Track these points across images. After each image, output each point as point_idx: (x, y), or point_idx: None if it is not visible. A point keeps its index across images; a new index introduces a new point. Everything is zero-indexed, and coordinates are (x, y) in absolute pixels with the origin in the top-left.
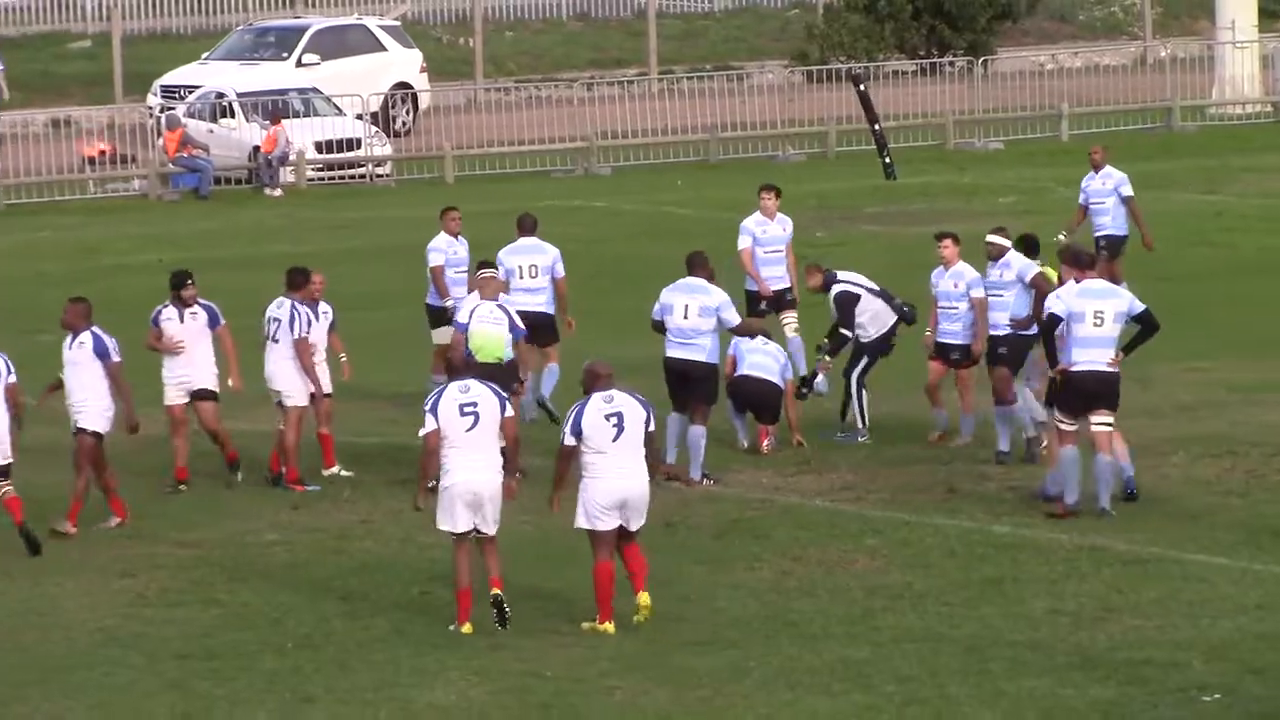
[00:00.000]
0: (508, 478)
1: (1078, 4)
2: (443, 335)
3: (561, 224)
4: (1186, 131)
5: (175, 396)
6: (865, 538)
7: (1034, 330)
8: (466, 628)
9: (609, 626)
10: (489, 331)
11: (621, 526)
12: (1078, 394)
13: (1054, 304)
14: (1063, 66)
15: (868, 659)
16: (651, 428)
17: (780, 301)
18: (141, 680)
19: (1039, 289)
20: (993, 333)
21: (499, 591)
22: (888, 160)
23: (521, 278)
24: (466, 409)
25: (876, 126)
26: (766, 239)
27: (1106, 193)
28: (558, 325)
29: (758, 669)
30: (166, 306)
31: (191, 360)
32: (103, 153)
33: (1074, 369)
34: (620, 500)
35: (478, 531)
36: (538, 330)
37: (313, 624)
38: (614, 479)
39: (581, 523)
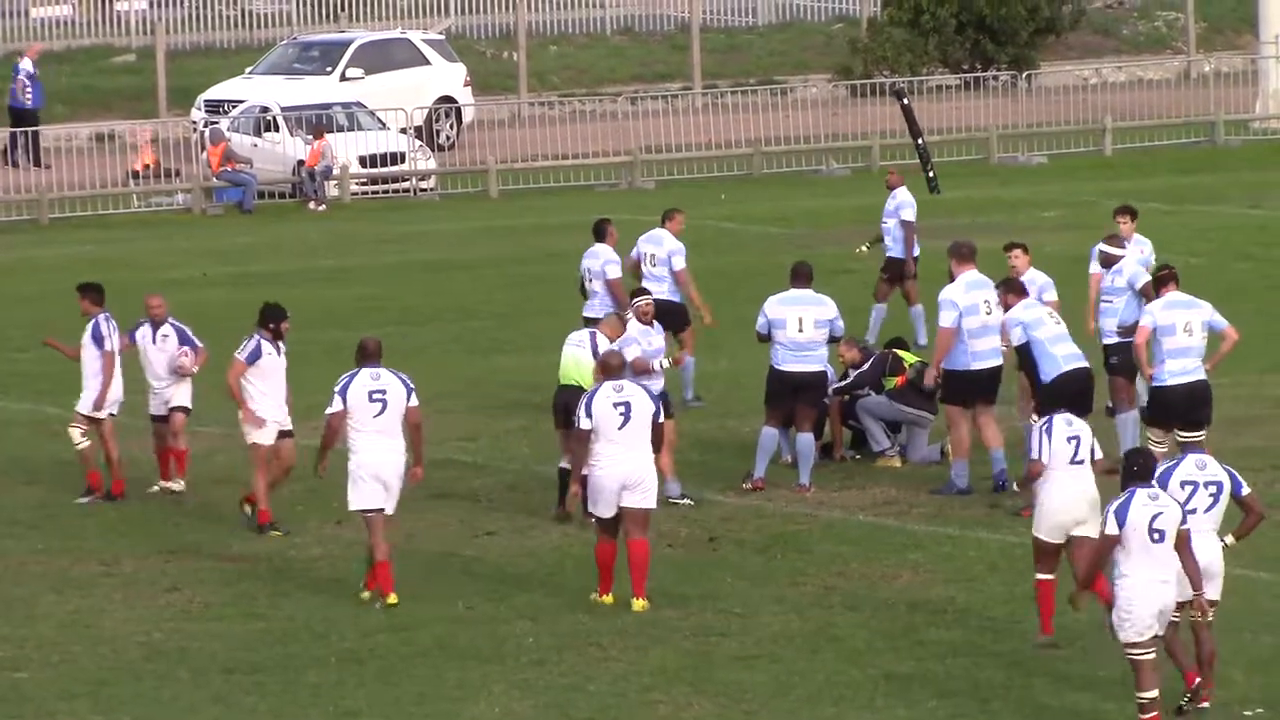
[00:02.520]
0: (414, 463)
1: (1121, 18)
2: None
3: None
4: (1230, 146)
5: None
6: (908, 552)
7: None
8: (392, 598)
9: (608, 598)
10: (573, 354)
11: (629, 520)
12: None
13: (1015, 333)
14: (1106, 81)
15: (911, 674)
16: (661, 419)
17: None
18: (186, 694)
19: (1149, 297)
20: (1105, 342)
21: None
22: (931, 174)
23: (650, 265)
24: (375, 395)
25: (920, 141)
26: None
27: (889, 214)
28: (688, 313)
29: (801, 684)
30: (254, 340)
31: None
32: (147, 166)
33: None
34: (620, 485)
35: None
36: (666, 317)
37: (356, 638)
38: (616, 466)
39: (590, 508)
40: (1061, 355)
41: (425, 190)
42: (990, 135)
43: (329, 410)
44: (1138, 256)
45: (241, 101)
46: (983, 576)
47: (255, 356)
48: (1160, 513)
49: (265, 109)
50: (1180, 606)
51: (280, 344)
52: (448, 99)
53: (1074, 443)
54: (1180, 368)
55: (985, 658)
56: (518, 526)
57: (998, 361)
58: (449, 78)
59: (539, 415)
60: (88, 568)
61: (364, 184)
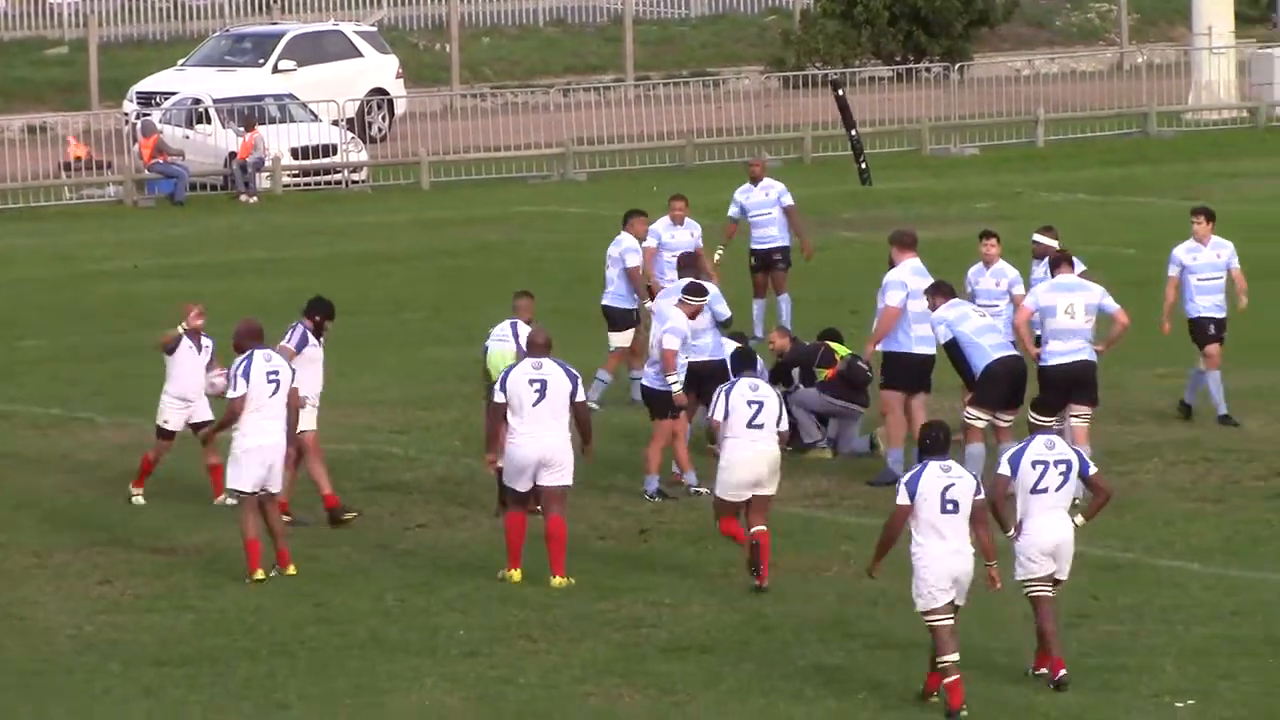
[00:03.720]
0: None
1: (1054, 10)
2: (622, 339)
3: (537, 230)
4: (1163, 137)
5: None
6: (839, 544)
7: None
8: (259, 574)
9: (516, 574)
10: (498, 349)
11: (546, 497)
12: (1000, 387)
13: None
14: (1039, 72)
15: (841, 665)
16: (579, 398)
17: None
18: (117, 686)
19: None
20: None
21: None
22: (864, 166)
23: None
24: (271, 377)
25: (853, 132)
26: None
27: (770, 204)
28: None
29: (731, 675)
30: (299, 329)
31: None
32: (78, 159)
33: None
34: (536, 462)
35: (266, 490)
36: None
37: (288, 630)
38: (529, 442)
39: (505, 481)
40: (989, 345)
41: (357, 182)
42: (922, 127)
43: (233, 393)
44: (1214, 260)
45: (173, 93)
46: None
47: (303, 344)
48: (953, 484)
49: (197, 101)
50: (1049, 580)
51: (321, 338)
52: (380, 91)
53: (754, 407)
54: (1063, 348)
55: (916, 649)
56: (449, 519)
57: (933, 349)
58: (381, 69)
59: (470, 408)
60: (19, 560)
61: (296, 176)
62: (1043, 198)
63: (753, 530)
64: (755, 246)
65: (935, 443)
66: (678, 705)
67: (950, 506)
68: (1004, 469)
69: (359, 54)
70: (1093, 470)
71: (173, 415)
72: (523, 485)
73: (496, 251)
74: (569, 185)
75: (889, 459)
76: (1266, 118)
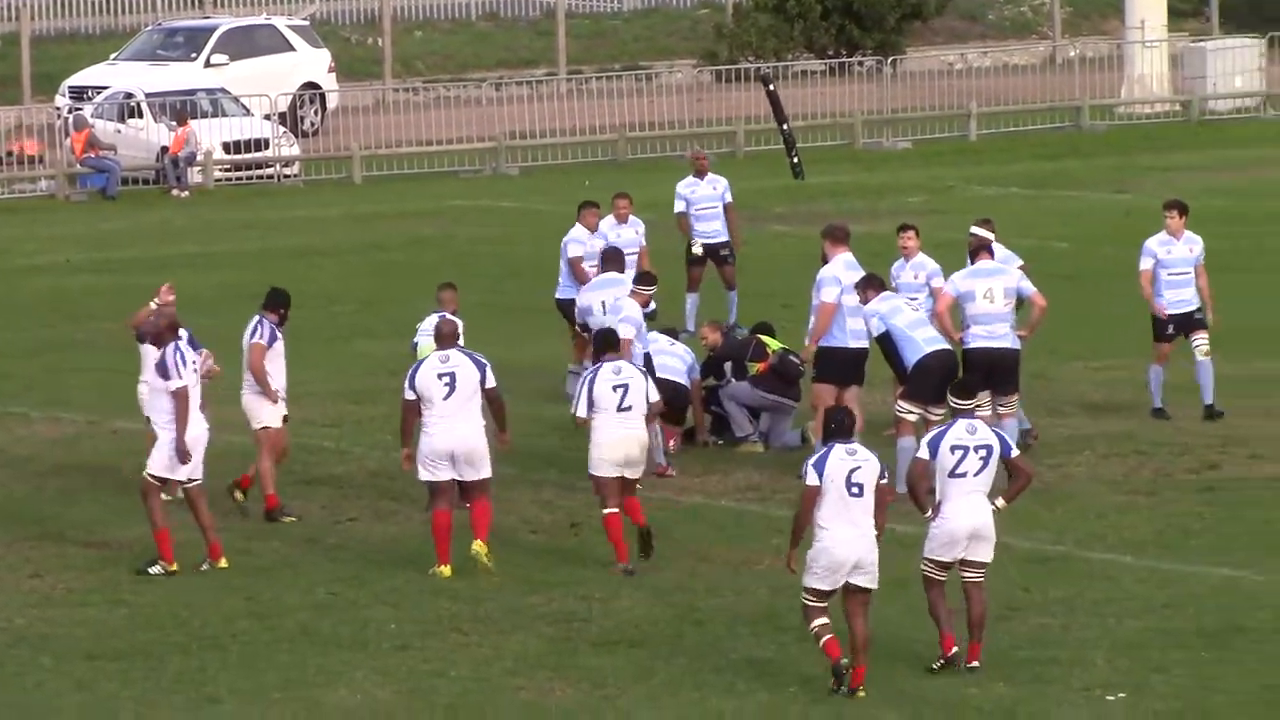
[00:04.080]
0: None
1: (987, 3)
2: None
3: (469, 224)
4: (1095, 131)
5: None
6: (771, 537)
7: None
8: (173, 566)
9: (445, 570)
10: (428, 344)
11: (467, 489)
12: (931, 380)
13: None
14: (971, 66)
15: (773, 659)
16: (489, 385)
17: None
18: (49, 680)
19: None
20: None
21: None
22: (796, 160)
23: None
24: (195, 367)
25: (785, 126)
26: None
27: (716, 198)
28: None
29: (663, 669)
30: (264, 323)
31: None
32: (31, 156)
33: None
34: (450, 453)
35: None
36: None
37: (219, 624)
38: (442, 434)
39: (421, 475)
40: (922, 339)
41: (289, 176)
42: (855, 120)
43: (178, 383)
44: (1186, 255)
45: (105, 88)
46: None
47: (274, 339)
48: (858, 467)
49: (129, 95)
50: (947, 567)
51: (282, 329)
52: (312, 85)
53: (621, 391)
54: (984, 333)
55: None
56: (380, 513)
57: (867, 343)
58: (314, 64)
59: (400, 401)
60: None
61: (228, 170)
62: (975, 191)
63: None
64: (701, 240)
65: (840, 427)
66: (609, 699)
67: (855, 490)
68: (923, 452)
69: (291, 48)
70: (1014, 453)
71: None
72: (443, 474)
73: (428, 245)
74: (501, 179)
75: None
76: (1199, 111)
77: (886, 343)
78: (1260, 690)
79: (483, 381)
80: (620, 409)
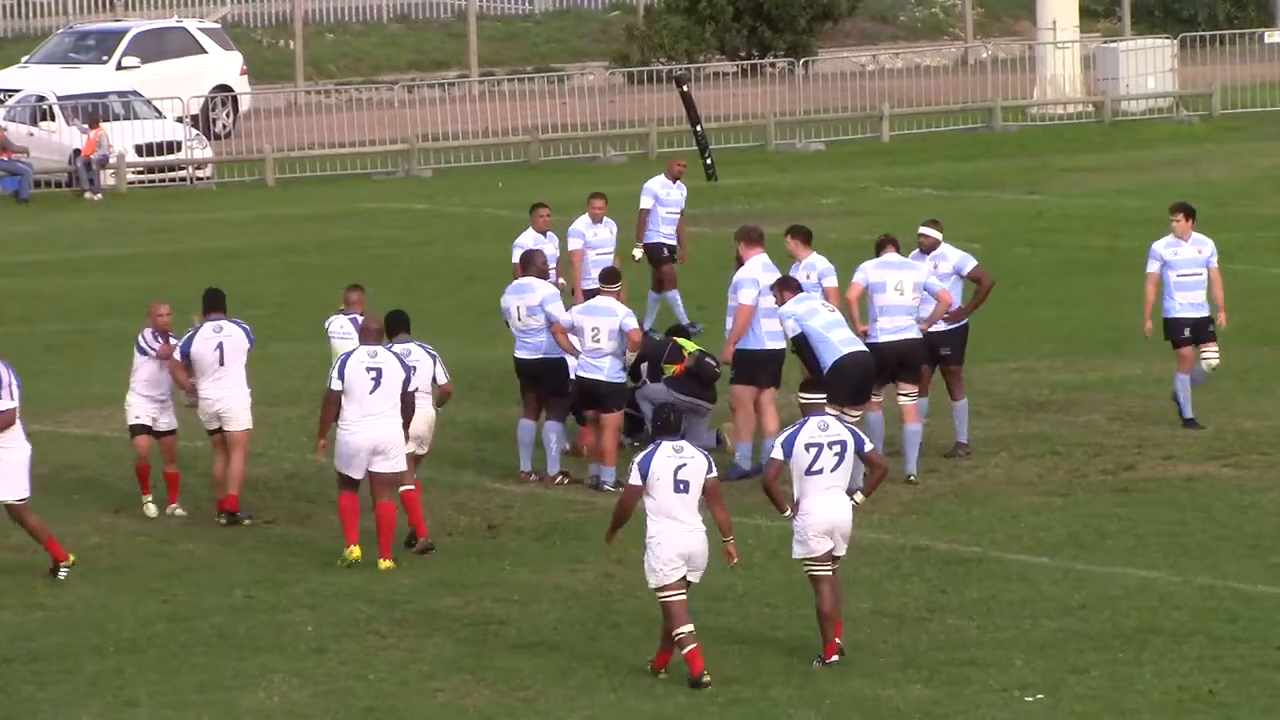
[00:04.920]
0: None
1: (898, 4)
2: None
3: (383, 226)
4: (1008, 132)
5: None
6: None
7: (966, 323)
8: (70, 559)
9: (355, 551)
10: (341, 347)
11: (377, 483)
12: (848, 382)
13: (789, 325)
14: (884, 67)
15: None
16: (412, 388)
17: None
18: None
19: (980, 280)
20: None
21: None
22: (709, 161)
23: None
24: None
25: (699, 128)
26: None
27: (680, 203)
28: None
29: (581, 670)
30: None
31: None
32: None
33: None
34: (371, 449)
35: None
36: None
37: (135, 627)
38: (363, 430)
39: (337, 466)
40: (838, 340)
41: (202, 179)
42: (768, 122)
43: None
44: (1194, 256)
45: (17, 90)
46: (762, 563)
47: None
48: (685, 464)
49: (41, 98)
50: (825, 559)
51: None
52: (224, 87)
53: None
54: (892, 325)
55: (765, 645)
56: (297, 515)
57: (783, 344)
58: (225, 66)
59: (316, 403)
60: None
61: (141, 173)
62: (889, 193)
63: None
64: (663, 241)
65: (666, 424)
66: (527, 701)
67: (682, 486)
68: (777, 453)
69: (203, 50)
70: (868, 447)
71: (141, 411)
72: (356, 472)
73: (341, 248)
74: (414, 181)
75: (737, 454)
76: (1112, 112)
77: (802, 344)
78: (1176, 691)
79: (406, 383)
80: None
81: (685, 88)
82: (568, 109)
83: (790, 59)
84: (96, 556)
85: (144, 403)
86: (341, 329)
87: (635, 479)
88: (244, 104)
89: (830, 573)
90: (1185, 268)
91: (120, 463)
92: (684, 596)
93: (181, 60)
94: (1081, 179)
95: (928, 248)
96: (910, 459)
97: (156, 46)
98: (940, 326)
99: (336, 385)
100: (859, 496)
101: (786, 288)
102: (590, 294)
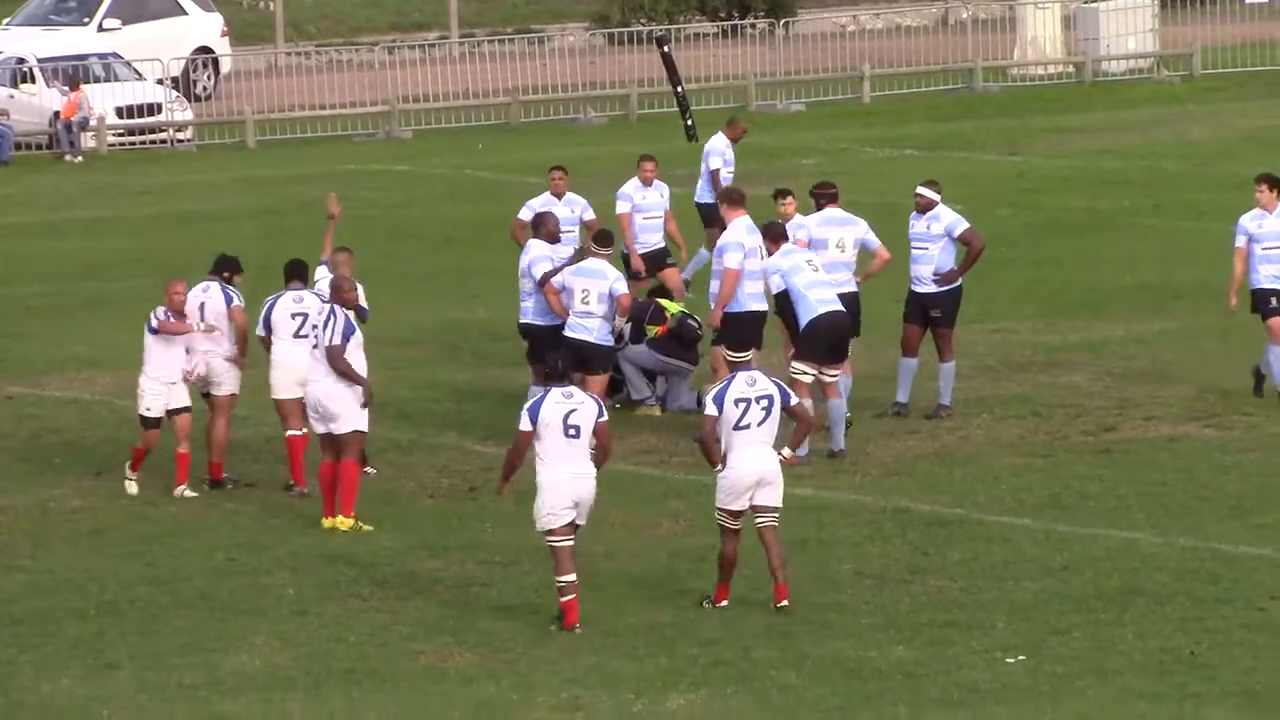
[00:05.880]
0: None
1: None
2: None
3: (363, 188)
4: (988, 92)
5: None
6: (668, 501)
7: (958, 285)
8: None
9: (327, 521)
10: None
11: (337, 443)
12: (821, 341)
13: (773, 280)
14: (864, 28)
15: (671, 622)
16: (337, 342)
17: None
18: None
19: (970, 243)
20: (919, 289)
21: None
22: (690, 122)
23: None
24: None
25: (679, 89)
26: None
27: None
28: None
29: (562, 633)
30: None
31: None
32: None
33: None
34: (313, 405)
35: None
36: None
37: (117, 590)
38: (313, 387)
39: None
40: (815, 299)
41: (182, 141)
42: (748, 83)
43: None
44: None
45: None
46: (743, 525)
47: (230, 301)
48: (574, 409)
49: (21, 60)
50: (738, 515)
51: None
52: (205, 49)
53: (299, 320)
54: (831, 280)
55: (746, 606)
56: (278, 478)
57: (766, 305)
58: (206, 28)
59: None
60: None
61: (121, 135)
62: (870, 153)
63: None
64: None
65: (554, 371)
66: (509, 663)
67: (572, 431)
68: (711, 409)
69: (184, 12)
70: (794, 401)
71: (154, 403)
72: (319, 427)
73: (322, 210)
74: (394, 143)
75: None
76: (1092, 73)
77: (783, 299)
78: (1158, 652)
79: (345, 337)
80: (297, 335)
81: (666, 49)
82: (548, 70)
83: (771, 19)
84: (78, 520)
85: (155, 390)
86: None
87: (525, 425)
88: (225, 66)
89: (739, 526)
90: (1270, 240)
91: (102, 426)
92: (571, 542)
93: (162, 22)
94: (1062, 140)
95: (923, 207)
96: (837, 436)
97: (137, 8)
98: (931, 288)
99: (261, 332)
100: (786, 451)
101: (771, 236)
102: (646, 258)
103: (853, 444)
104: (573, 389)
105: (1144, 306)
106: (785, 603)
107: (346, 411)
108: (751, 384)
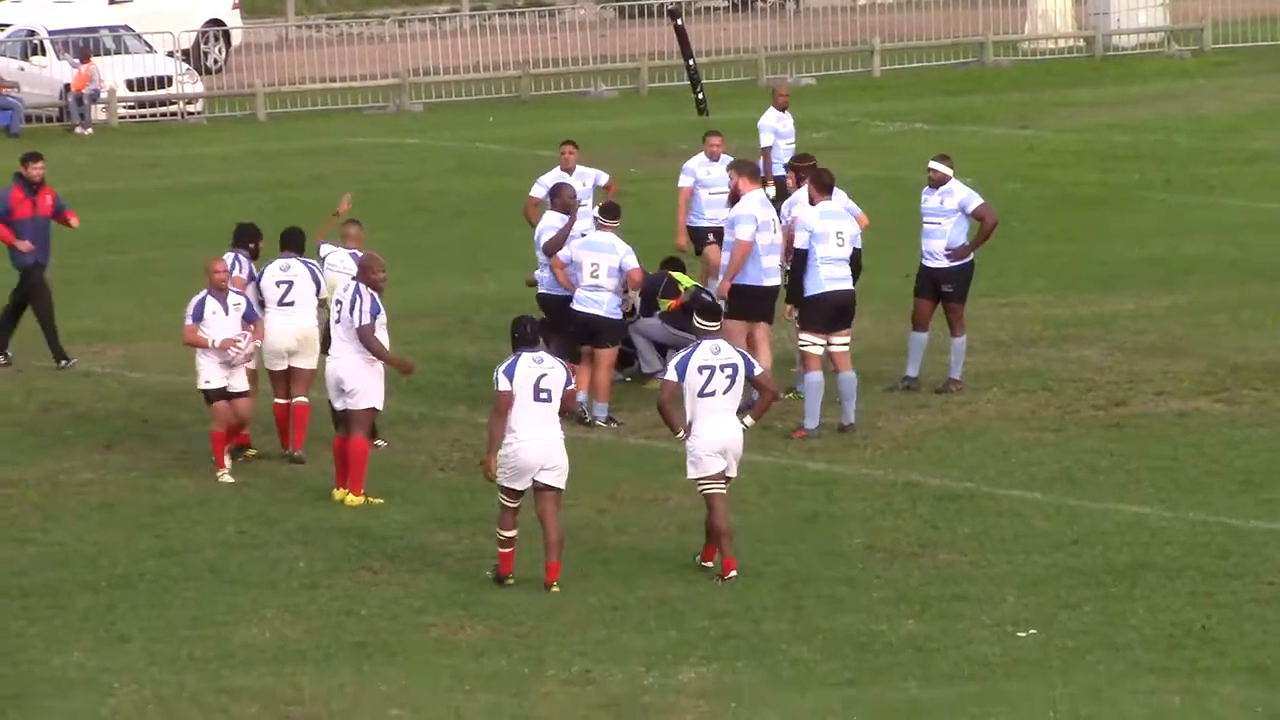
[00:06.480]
0: None
1: None
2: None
3: (374, 161)
4: (999, 66)
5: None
6: (678, 474)
7: (970, 260)
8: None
9: (337, 494)
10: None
11: (347, 420)
12: (825, 313)
13: (799, 236)
14: (875, 2)
15: (682, 595)
16: (367, 322)
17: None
18: None
19: (984, 219)
20: (930, 264)
21: None
22: (700, 96)
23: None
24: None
25: (691, 62)
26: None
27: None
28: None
29: (573, 606)
30: (241, 260)
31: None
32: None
33: (821, 290)
34: (333, 381)
35: None
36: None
37: (127, 562)
38: (332, 364)
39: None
40: (825, 275)
41: (193, 114)
42: (759, 56)
43: None
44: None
45: (8, 25)
46: (754, 499)
47: (254, 274)
48: (545, 374)
49: (32, 32)
50: (720, 479)
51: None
52: (216, 22)
53: (284, 287)
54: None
55: (757, 579)
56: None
57: (779, 280)
58: (217, 0)
59: None
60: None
61: (131, 108)
62: (880, 127)
63: (294, 401)
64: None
65: (524, 336)
66: (520, 636)
67: (544, 395)
68: (671, 375)
69: None
70: (758, 371)
71: (212, 374)
72: (337, 402)
73: (333, 183)
74: (405, 116)
75: None
76: (1103, 47)
77: (799, 259)
78: (1169, 626)
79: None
80: (281, 303)
81: (679, 21)
82: (559, 43)
83: None
84: (88, 492)
85: (211, 364)
86: (341, 262)
87: (504, 385)
88: (235, 38)
89: (723, 490)
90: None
91: (112, 398)
92: (518, 504)
93: None
94: (1073, 114)
95: (936, 182)
96: (847, 409)
97: None
98: (943, 263)
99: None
100: (748, 419)
101: (821, 186)
102: (693, 232)
103: (863, 418)
104: (542, 354)
105: (1155, 281)
106: (710, 564)
107: (365, 388)
108: (716, 352)
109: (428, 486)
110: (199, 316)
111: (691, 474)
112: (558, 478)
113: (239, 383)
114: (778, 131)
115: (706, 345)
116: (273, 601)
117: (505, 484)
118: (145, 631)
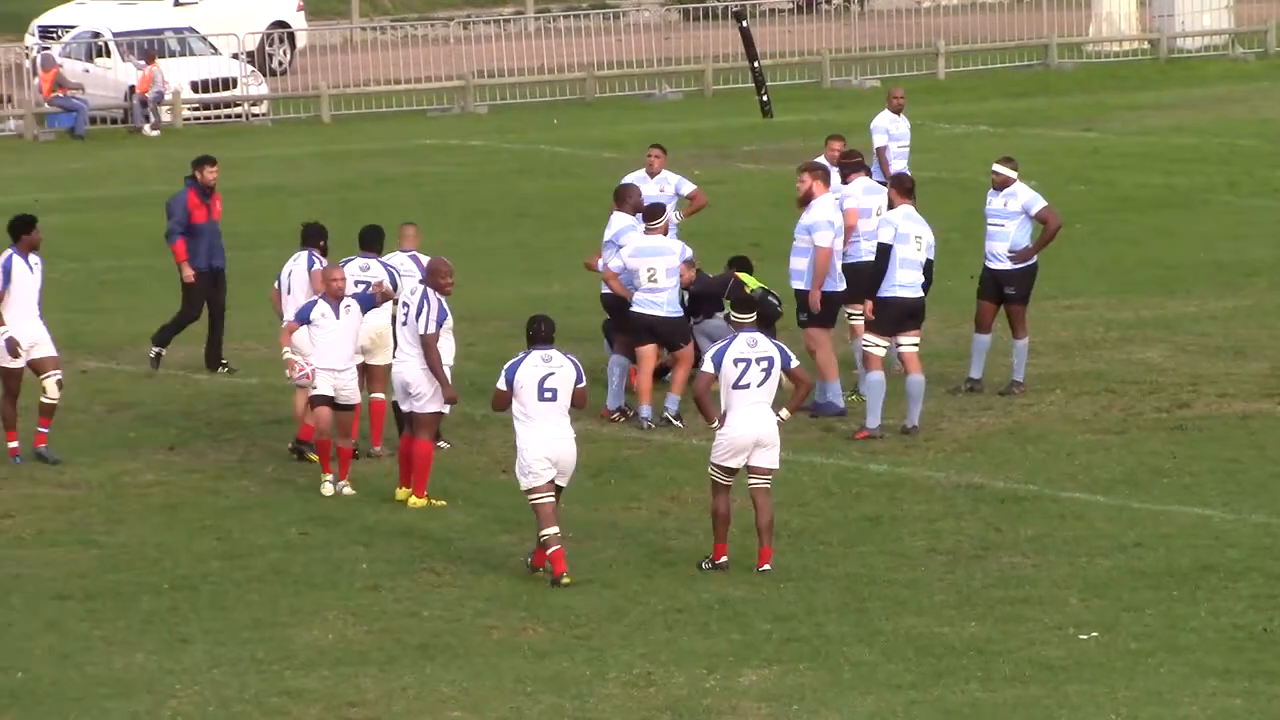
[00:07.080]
0: None
1: None
2: None
3: (438, 163)
4: (1064, 69)
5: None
6: (742, 477)
7: (1034, 262)
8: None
9: (400, 493)
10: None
11: (411, 422)
12: (891, 316)
13: (885, 231)
14: (940, 4)
15: (745, 598)
16: (432, 330)
17: None
18: (20, 621)
19: (1047, 221)
20: (994, 266)
21: None
22: (765, 98)
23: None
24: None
25: (756, 64)
26: (897, 133)
27: (908, 135)
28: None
29: (635, 608)
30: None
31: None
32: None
33: (892, 294)
34: (400, 384)
35: None
36: None
37: (190, 564)
38: (398, 368)
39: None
40: (899, 280)
41: (258, 115)
42: (823, 59)
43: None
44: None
45: (74, 27)
46: (816, 501)
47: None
48: (552, 373)
49: (97, 34)
50: (732, 473)
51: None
52: (281, 24)
53: (362, 286)
54: (921, 263)
55: (819, 581)
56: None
57: (843, 286)
58: (282, 2)
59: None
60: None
61: (196, 109)
62: (944, 130)
63: (371, 397)
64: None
65: (538, 334)
66: (581, 638)
67: (549, 394)
68: (707, 366)
69: None
70: (794, 364)
71: (322, 380)
72: (404, 405)
73: (396, 184)
74: (470, 118)
75: (829, 393)
76: (1167, 49)
77: (880, 255)
78: (1231, 629)
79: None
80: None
81: (744, 24)
82: (623, 46)
83: None
84: (151, 494)
85: (322, 374)
86: (402, 265)
87: (501, 384)
88: (300, 40)
89: (729, 482)
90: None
91: (176, 400)
92: (552, 499)
93: None
94: (1137, 116)
95: (999, 185)
96: (912, 412)
97: None
98: (1006, 265)
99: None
100: (784, 413)
101: (903, 190)
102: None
103: (926, 420)
104: (553, 352)
105: (1218, 283)
106: (767, 566)
107: (431, 392)
108: (753, 345)
109: (490, 488)
110: (304, 318)
111: (713, 457)
112: (562, 477)
113: (350, 394)
114: (890, 133)
115: (743, 338)
116: (335, 603)
117: (528, 484)
118: (207, 633)
